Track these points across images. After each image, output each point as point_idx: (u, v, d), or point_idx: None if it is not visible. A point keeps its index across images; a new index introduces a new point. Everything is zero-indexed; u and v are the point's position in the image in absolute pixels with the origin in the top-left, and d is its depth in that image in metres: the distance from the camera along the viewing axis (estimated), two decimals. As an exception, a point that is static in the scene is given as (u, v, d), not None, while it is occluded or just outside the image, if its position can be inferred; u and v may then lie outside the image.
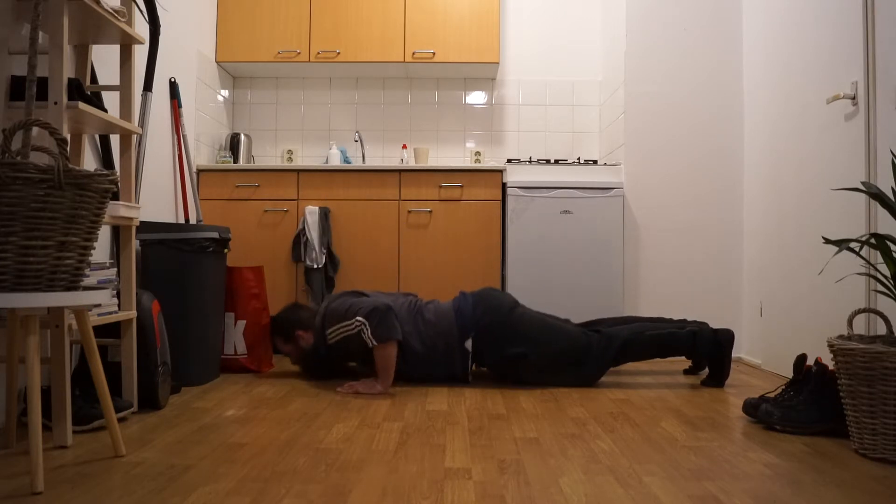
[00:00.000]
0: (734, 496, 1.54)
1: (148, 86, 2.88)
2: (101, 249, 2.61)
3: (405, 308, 2.85)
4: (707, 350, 2.85)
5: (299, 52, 3.95)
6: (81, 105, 1.97)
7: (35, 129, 2.02)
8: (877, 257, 2.38)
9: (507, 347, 2.80)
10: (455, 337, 2.80)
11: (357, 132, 4.23)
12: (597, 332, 2.84)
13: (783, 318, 3.08)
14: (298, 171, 3.69)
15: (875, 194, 1.94)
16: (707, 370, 2.93)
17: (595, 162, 3.88)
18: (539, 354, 2.79)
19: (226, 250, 3.00)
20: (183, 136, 3.38)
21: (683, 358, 3.20)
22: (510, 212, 3.60)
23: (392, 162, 4.31)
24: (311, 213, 3.59)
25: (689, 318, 3.45)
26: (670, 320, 3.04)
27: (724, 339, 2.85)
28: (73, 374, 2.17)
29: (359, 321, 2.65)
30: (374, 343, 2.63)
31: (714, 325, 3.42)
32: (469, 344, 2.81)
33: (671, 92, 3.67)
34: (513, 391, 2.73)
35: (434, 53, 3.95)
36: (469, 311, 2.83)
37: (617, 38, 3.87)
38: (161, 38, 3.11)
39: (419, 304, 2.91)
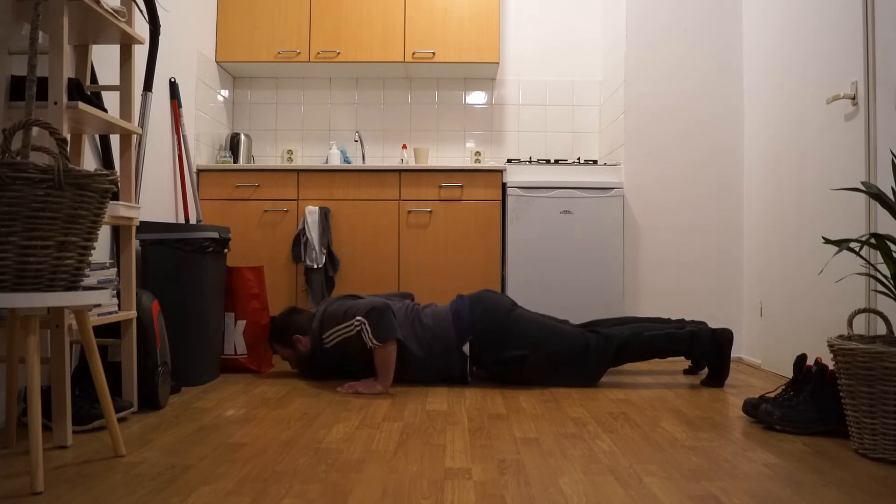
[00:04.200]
0: (734, 496, 1.54)
1: (148, 86, 2.88)
2: (101, 249, 2.61)
3: (402, 312, 2.84)
4: (706, 350, 2.85)
5: (299, 52, 3.95)
6: (81, 105, 1.97)
7: (35, 129, 2.02)
8: (877, 257, 2.38)
9: (506, 350, 2.79)
10: (453, 341, 2.80)
11: (357, 132, 4.23)
12: (595, 333, 2.84)
13: (783, 318, 3.08)
14: (298, 171, 3.70)
15: (875, 194, 1.94)
16: (707, 370, 2.93)
17: (595, 162, 3.88)
18: (538, 356, 2.78)
19: (226, 250, 3.01)
20: (183, 136, 3.38)
21: (683, 358, 3.20)
22: (510, 212, 3.60)
23: (392, 162, 4.31)
24: (311, 213, 3.59)
25: (689, 318, 3.45)
26: (669, 320, 3.03)
27: (723, 339, 2.85)
28: (73, 374, 2.17)
29: (358, 321, 2.65)
30: (375, 343, 2.63)
31: (714, 325, 3.42)
32: (467, 348, 2.81)
33: (671, 92, 3.67)
34: (513, 391, 2.73)
35: (434, 53, 3.95)
36: (467, 315, 2.82)
37: (617, 38, 3.87)
38: (161, 38, 3.11)
39: (416, 308, 2.90)
